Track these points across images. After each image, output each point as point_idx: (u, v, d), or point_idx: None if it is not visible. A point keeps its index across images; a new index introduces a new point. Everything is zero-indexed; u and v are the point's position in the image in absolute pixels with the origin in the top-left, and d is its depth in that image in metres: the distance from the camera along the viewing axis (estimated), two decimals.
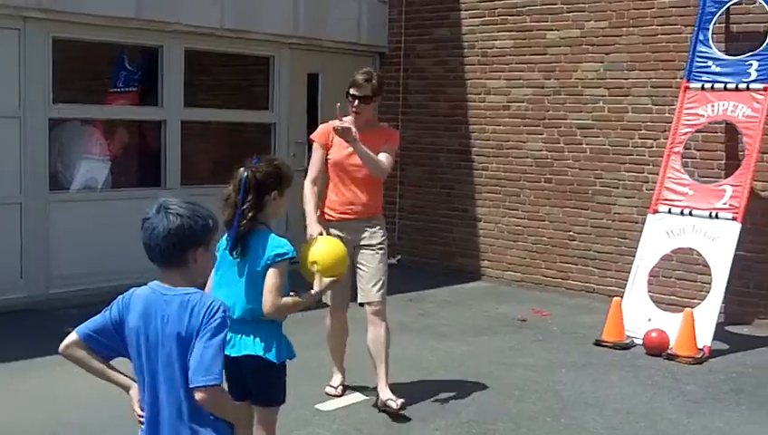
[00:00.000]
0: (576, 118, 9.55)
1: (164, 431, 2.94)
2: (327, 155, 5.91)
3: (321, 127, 6.11)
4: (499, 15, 10.18)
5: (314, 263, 4.20)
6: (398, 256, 10.91)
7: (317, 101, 10.85)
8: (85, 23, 8.51)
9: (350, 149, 5.79)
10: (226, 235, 3.89)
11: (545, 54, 9.80)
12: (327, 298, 5.76)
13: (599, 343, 7.57)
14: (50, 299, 8.40)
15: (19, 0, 8.01)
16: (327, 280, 4.15)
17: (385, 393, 5.78)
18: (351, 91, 6.01)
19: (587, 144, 9.48)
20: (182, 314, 2.90)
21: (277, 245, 3.84)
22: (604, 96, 9.36)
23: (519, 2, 9.99)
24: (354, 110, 5.97)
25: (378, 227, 5.94)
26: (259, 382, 3.90)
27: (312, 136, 6.09)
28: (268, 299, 3.80)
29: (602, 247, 9.35)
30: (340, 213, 5.85)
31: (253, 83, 10.95)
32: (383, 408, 5.75)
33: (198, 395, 2.84)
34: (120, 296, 3.04)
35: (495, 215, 10.20)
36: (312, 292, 4.07)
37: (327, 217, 5.83)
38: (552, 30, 9.75)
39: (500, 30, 10.17)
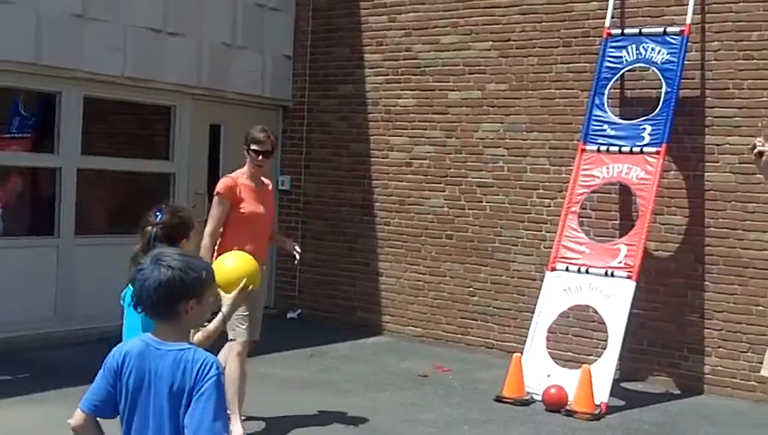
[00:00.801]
0: (477, 176, 9.74)
1: None
2: (239, 208, 6.19)
3: (226, 181, 6.36)
4: (402, 75, 10.35)
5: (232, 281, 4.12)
6: (299, 310, 10.85)
7: (219, 152, 10.78)
8: None
9: (262, 202, 6.18)
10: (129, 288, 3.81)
11: (447, 114, 9.98)
12: (239, 333, 6.05)
13: (499, 399, 7.64)
14: None
15: None
16: (231, 295, 4.03)
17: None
18: (254, 147, 6.42)
19: (487, 202, 9.66)
20: (175, 370, 2.88)
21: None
22: (504, 156, 9.58)
23: (422, 62, 10.18)
24: (257, 164, 6.40)
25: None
26: None
27: (218, 189, 6.28)
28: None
29: (502, 304, 9.49)
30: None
31: (153, 132, 10.82)
32: None
33: None
34: (112, 353, 3.01)
35: (397, 270, 10.26)
36: (224, 310, 4.00)
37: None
38: (453, 90, 9.96)
39: (403, 88, 10.34)
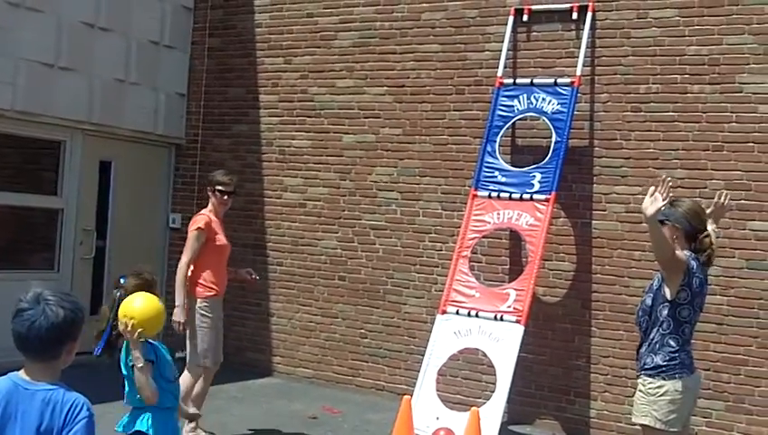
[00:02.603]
0: (370, 219, 9.80)
1: None
2: (215, 241, 7.19)
3: (203, 218, 7.24)
4: (297, 116, 10.39)
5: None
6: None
7: (108, 189, 10.58)
8: None
9: (226, 236, 7.40)
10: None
11: (342, 156, 10.05)
12: (207, 359, 7.07)
13: None
14: None
15: None
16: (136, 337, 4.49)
17: None
18: (220, 188, 7.41)
19: (380, 244, 9.72)
20: (44, 411, 2.87)
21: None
22: (397, 199, 9.68)
23: (317, 104, 10.24)
24: (223, 203, 7.45)
25: None
26: None
27: (200, 225, 7.15)
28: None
29: (393, 346, 9.53)
30: (222, 290, 7.29)
31: (42, 167, 10.54)
32: None
33: None
34: None
35: (289, 310, 10.21)
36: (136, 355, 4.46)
37: (215, 293, 7.20)
38: (348, 133, 10.03)
39: (298, 130, 10.37)
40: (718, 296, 7.82)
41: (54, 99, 9.61)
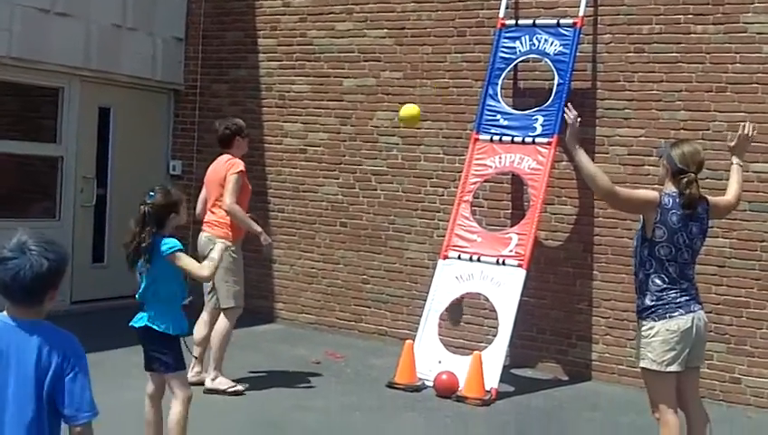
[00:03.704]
0: (371, 164, 9.75)
1: None
2: (246, 184, 7.44)
3: (239, 162, 7.39)
4: (297, 60, 10.28)
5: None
6: (190, 297, 10.61)
7: (108, 136, 10.51)
8: None
9: None
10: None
11: (342, 101, 9.96)
12: (240, 299, 7.40)
13: (391, 386, 7.68)
14: None
15: None
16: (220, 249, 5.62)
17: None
18: (247, 136, 7.73)
19: (381, 190, 9.68)
20: (42, 348, 2.94)
21: (164, 243, 5.11)
22: (398, 144, 9.61)
23: (317, 48, 10.12)
24: (245, 150, 7.70)
25: None
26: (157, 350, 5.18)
27: (242, 168, 7.33)
28: (200, 272, 5.29)
29: (395, 291, 9.54)
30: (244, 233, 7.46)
31: (40, 115, 10.47)
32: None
33: (79, 430, 2.95)
34: None
35: (290, 257, 10.20)
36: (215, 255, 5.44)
37: (240, 236, 7.40)
38: (348, 77, 9.93)
39: (297, 74, 10.26)
40: (720, 239, 7.79)
41: (51, 45, 9.52)
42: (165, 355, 5.20)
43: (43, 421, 2.94)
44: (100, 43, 10.06)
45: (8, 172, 10.09)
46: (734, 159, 5.47)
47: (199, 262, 7.08)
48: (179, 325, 5.25)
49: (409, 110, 7.58)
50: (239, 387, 7.31)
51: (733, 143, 5.51)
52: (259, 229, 7.41)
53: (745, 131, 5.49)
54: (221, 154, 7.62)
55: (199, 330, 7.44)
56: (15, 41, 9.16)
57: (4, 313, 3.03)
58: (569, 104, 5.16)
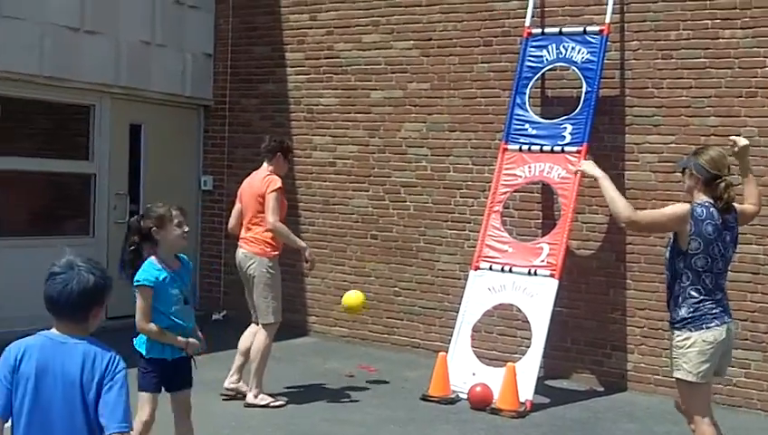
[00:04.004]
0: (400, 176, 9.76)
1: None
2: (283, 201, 7.49)
3: (277, 179, 7.41)
4: (324, 73, 10.31)
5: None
6: (224, 312, 10.74)
7: (139, 152, 10.61)
8: None
9: None
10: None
11: (370, 113, 9.98)
12: (278, 315, 7.46)
13: (425, 398, 7.67)
14: None
15: None
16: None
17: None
18: (289, 155, 7.82)
19: (411, 202, 9.68)
20: (85, 362, 3.09)
21: (140, 271, 5.14)
22: (427, 156, 9.61)
23: (344, 61, 10.16)
24: (287, 167, 7.80)
25: None
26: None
27: (280, 185, 7.38)
28: (139, 322, 5.13)
29: (427, 303, 9.53)
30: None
31: (73, 132, 10.57)
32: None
33: None
34: (9, 348, 3.16)
35: (322, 270, 10.20)
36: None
37: (278, 253, 7.47)
38: (376, 89, 9.96)
39: (325, 87, 10.30)
40: (754, 246, 7.72)
41: (81, 63, 9.62)
42: (139, 374, 5.22)
43: (92, 430, 3.10)
44: (130, 61, 10.16)
45: (42, 190, 10.20)
46: (744, 174, 5.41)
47: (242, 277, 7.60)
48: (156, 350, 5.18)
49: (352, 299, 7.91)
50: (280, 402, 7.38)
51: (736, 149, 5.40)
52: (303, 244, 7.57)
53: (736, 145, 5.38)
54: (256, 169, 7.66)
55: (244, 340, 7.60)
56: (47, 59, 9.27)
57: (52, 330, 3.17)
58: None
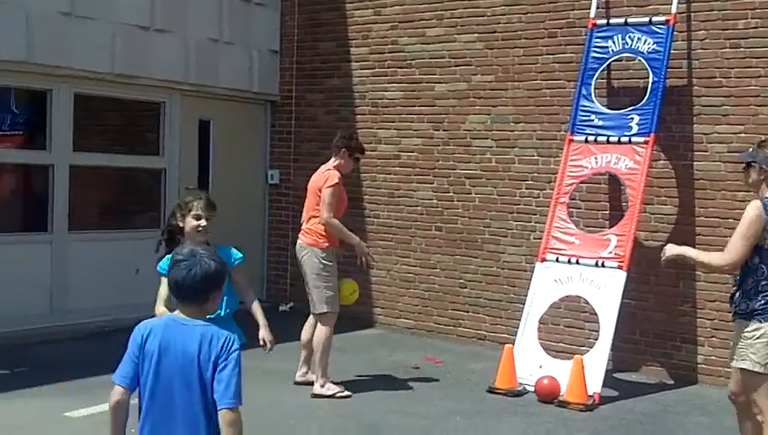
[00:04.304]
0: (465, 168, 9.77)
1: None
2: (341, 197, 7.51)
3: (335, 175, 7.50)
4: (389, 67, 10.37)
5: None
6: (291, 303, 10.88)
7: (208, 148, 10.79)
8: None
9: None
10: None
11: (434, 106, 10.01)
12: (330, 306, 7.49)
13: (491, 391, 7.68)
14: None
15: None
16: None
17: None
18: (358, 155, 7.80)
19: (476, 193, 9.69)
20: (202, 342, 3.40)
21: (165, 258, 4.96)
22: (491, 147, 9.61)
23: (408, 54, 10.20)
24: (354, 166, 7.91)
25: None
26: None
27: (336, 181, 7.44)
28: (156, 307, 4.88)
29: (492, 295, 9.53)
30: (338, 242, 7.56)
31: (143, 128, 10.81)
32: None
33: (226, 414, 3.34)
34: (138, 327, 3.51)
35: (387, 262, 10.29)
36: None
37: (333, 244, 7.51)
38: (440, 82, 9.98)
39: (390, 81, 10.36)
40: None
41: (151, 61, 9.82)
42: None
43: (207, 404, 3.39)
44: (199, 58, 10.34)
45: (115, 185, 10.45)
46: None
47: (299, 268, 7.69)
48: None
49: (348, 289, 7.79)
50: (346, 392, 7.46)
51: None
52: (357, 241, 7.63)
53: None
54: (323, 162, 7.77)
55: (304, 333, 7.73)
56: (118, 58, 9.48)
57: (175, 313, 3.52)
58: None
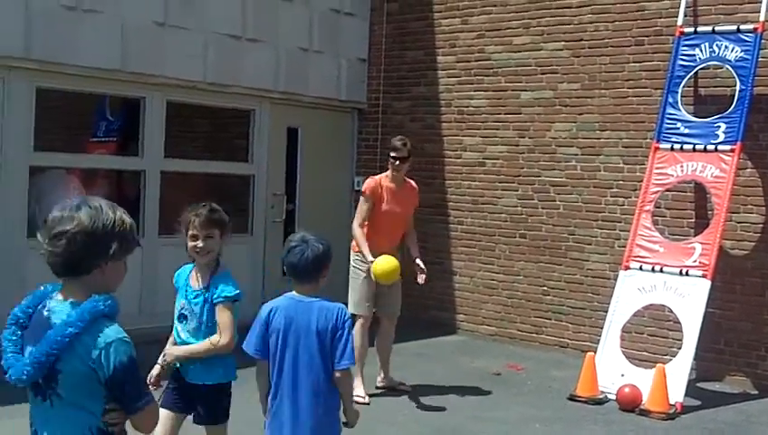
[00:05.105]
0: (549, 175, 9.77)
1: (302, 400, 4.00)
2: (380, 206, 7.48)
3: (369, 183, 7.60)
4: (475, 75, 10.43)
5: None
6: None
7: (296, 155, 11.01)
8: (70, 73, 8.64)
9: (399, 201, 7.61)
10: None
11: (520, 114, 10.04)
12: (355, 308, 7.37)
13: (573, 398, 7.67)
14: None
15: (7, 51, 8.13)
16: None
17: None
18: (392, 154, 7.66)
19: (560, 201, 9.68)
20: (319, 316, 4.02)
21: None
22: (577, 155, 9.59)
23: (494, 63, 10.25)
24: (395, 168, 7.65)
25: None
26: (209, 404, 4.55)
27: (363, 189, 7.58)
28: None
29: (576, 303, 9.51)
30: (379, 247, 7.34)
31: (233, 135, 11.09)
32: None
33: (341, 374, 4.04)
34: (263, 308, 4.14)
35: (471, 269, 10.35)
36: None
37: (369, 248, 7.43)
38: (525, 90, 10.01)
39: (476, 89, 10.42)
40: None
41: (243, 69, 10.07)
42: None
43: (327, 366, 4.01)
44: (289, 67, 10.56)
45: (204, 191, 10.71)
46: None
47: None
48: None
49: (384, 265, 7.13)
50: (364, 400, 7.24)
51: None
52: (370, 259, 7.25)
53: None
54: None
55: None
56: (210, 67, 9.75)
57: (293, 293, 4.10)
58: None
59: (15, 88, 8.34)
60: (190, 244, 4.53)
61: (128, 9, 8.97)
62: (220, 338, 4.38)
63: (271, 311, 4.08)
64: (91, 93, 9.51)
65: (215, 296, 4.44)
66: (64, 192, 9.48)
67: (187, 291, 4.59)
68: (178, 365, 4.54)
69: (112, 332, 2.68)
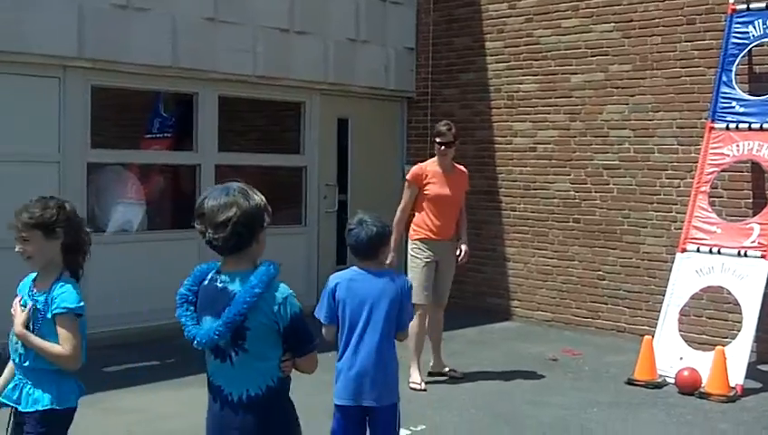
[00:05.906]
0: (602, 159, 9.69)
1: (369, 358, 4.42)
2: (425, 191, 7.55)
3: (414, 169, 7.76)
4: (524, 60, 10.38)
5: None
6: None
7: (347, 145, 11.06)
8: (124, 71, 8.78)
9: (450, 185, 7.64)
10: None
11: (570, 97, 9.96)
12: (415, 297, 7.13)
13: (631, 382, 7.62)
14: None
15: (62, 50, 8.28)
16: None
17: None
18: (438, 139, 7.72)
19: (614, 184, 9.60)
20: (386, 284, 4.48)
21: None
22: (630, 137, 9.50)
23: (543, 47, 10.18)
24: (441, 153, 7.70)
25: (452, 246, 7.71)
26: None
27: (407, 177, 7.76)
28: None
29: (632, 287, 9.43)
30: (433, 234, 7.51)
31: (284, 128, 11.17)
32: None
33: (405, 334, 4.74)
34: (329, 280, 4.53)
35: (524, 255, 10.31)
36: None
37: (425, 236, 7.54)
38: (576, 73, 9.93)
39: (525, 74, 10.36)
40: None
41: (292, 62, 10.13)
42: None
43: (391, 330, 4.49)
44: (337, 58, 10.60)
45: (258, 183, 10.75)
46: None
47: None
48: None
49: None
50: (420, 387, 7.35)
51: None
52: (392, 254, 7.02)
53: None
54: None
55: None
56: (260, 60, 9.82)
57: (355, 267, 4.53)
58: None
59: (71, 87, 8.49)
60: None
61: (177, 6, 9.07)
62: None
63: (337, 283, 4.49)
64: (144, 90, 9.63)
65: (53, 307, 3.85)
66: (122, 188, 9.66)
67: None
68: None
69: (285, 289, 3.29)
